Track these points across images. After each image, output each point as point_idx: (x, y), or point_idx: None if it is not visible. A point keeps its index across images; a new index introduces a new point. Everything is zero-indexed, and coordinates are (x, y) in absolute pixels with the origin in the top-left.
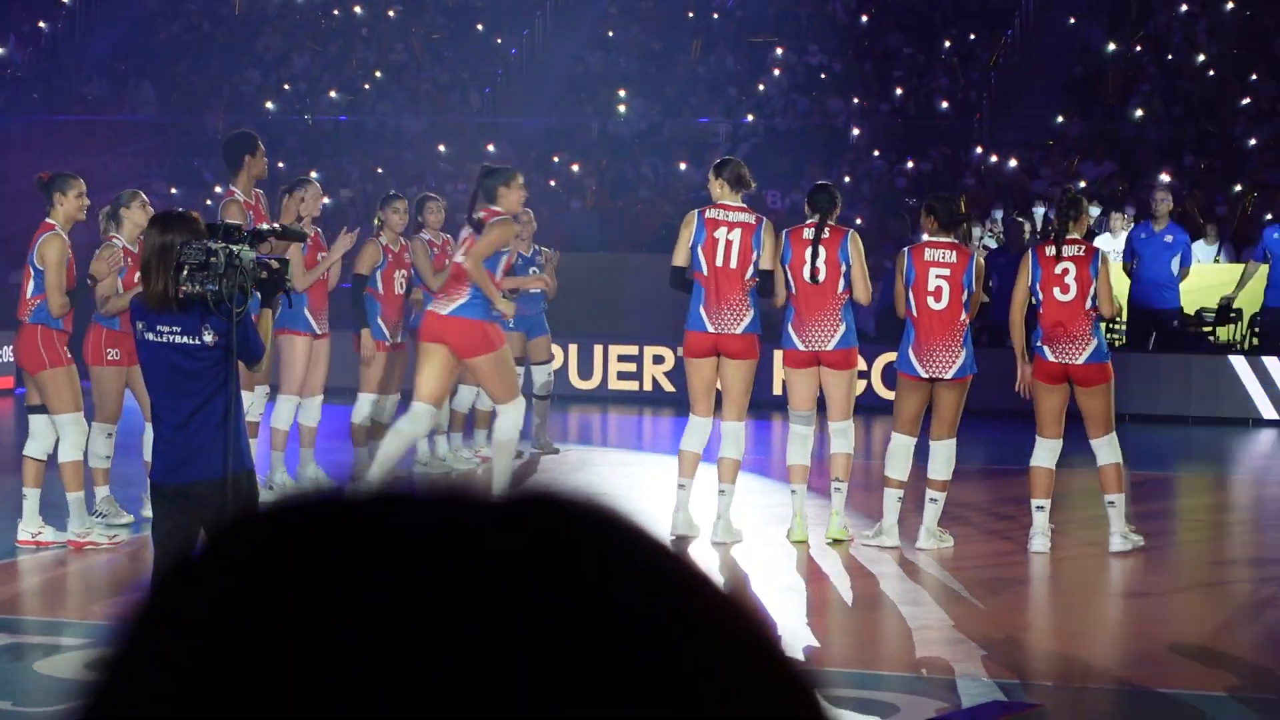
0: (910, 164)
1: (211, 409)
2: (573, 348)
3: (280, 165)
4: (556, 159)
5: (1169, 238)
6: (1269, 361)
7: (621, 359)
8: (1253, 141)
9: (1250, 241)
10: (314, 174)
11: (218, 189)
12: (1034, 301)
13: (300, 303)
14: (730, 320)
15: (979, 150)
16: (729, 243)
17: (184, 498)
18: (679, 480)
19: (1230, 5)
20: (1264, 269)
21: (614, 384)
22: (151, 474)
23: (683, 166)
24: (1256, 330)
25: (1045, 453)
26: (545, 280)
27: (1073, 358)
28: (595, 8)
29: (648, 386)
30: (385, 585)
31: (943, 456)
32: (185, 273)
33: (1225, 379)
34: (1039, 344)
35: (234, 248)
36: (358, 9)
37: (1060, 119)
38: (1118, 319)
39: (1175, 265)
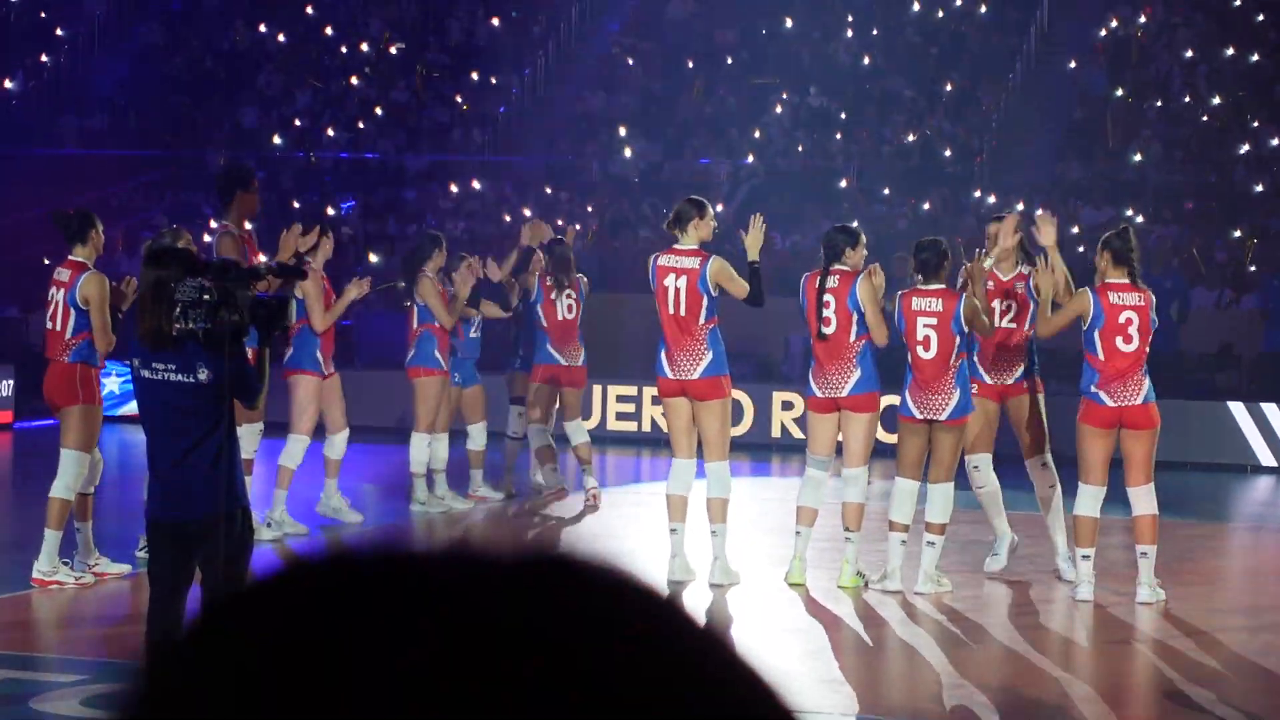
0: (911, 206)
1: (207, 446)
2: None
3: (295, 205)
4: (549, 190)
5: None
6: (1268, 408)
7: (620, 399)
8: (1260, 188)
9: (1250, 288)
10: (330, 210)
11: (213, 224)
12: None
13: (313, 344)
14: (688, 365)
15: (979, 193)
16: (677, 290)
17: (180, 534)
18: (670, 525)
19: (1231, 51)
20: None
21: (613, 424)
22: (147, 510)
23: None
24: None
25: (1090, 500)
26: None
27: (1130, 399)
28: (597, 48)
29: (646, 427)
30: (390, 678)
31: (940, 500)
32: (179, 310)
33: (1224, 425)
34: (1094, 389)
35: (229, 285)
36: (362, 46)
37: (1060, 163)
38: None
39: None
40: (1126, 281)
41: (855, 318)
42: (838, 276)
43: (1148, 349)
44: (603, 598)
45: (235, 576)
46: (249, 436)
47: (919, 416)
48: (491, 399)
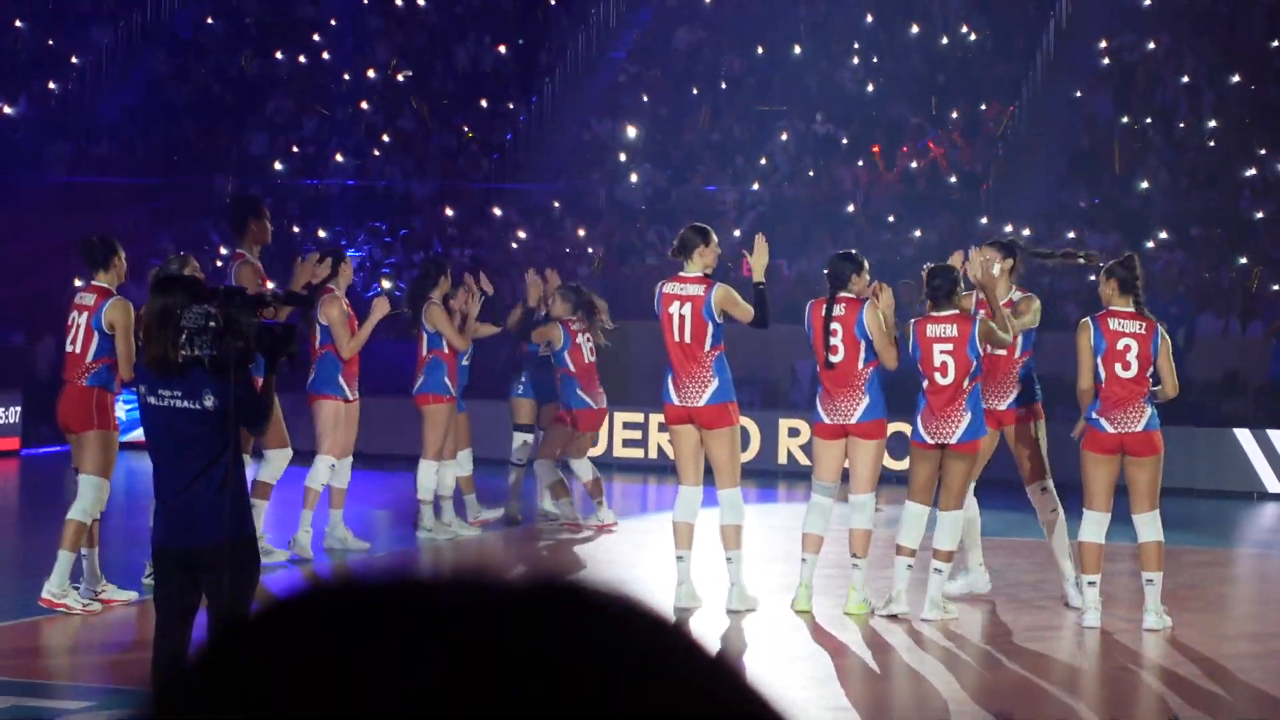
0: (917, 233)
1: (213, 473)
2: None
3: (296, 230)
4: (556, 213)
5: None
6: (1274, 435)
7: (627, 426)
8: (1259, 215)
9: (1255, 315)
10: (321, 233)
11: (223, 250)
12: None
13: (336, 368)
14: (694, 392)
15: (985, 220)
16: (682, 317)
17: (186, 561)
18: (676, 553)
19: (1236, 79)
20: None
21: (619, 451)
22: (153, 537)
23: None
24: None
25: (1095, 526)
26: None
27: (1130, 426)
28: (603, 75)
29: (653, 454)
30: (398, 702)
31: (948, 527)
32: (185, 336)
33: (1230, 452)
34: (1095, 415)
35: (235, 312)
36: (369, 73)
37: (1066, 190)
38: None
39: (1180, 338)
40: (1130, 310)
41: (863, 345)
42: (844, 304)
43: (1149, 377)
44: (609, 623)
45: (242, 602)
46: (279, 460)
47: (930, 442)
48: (479, 425)
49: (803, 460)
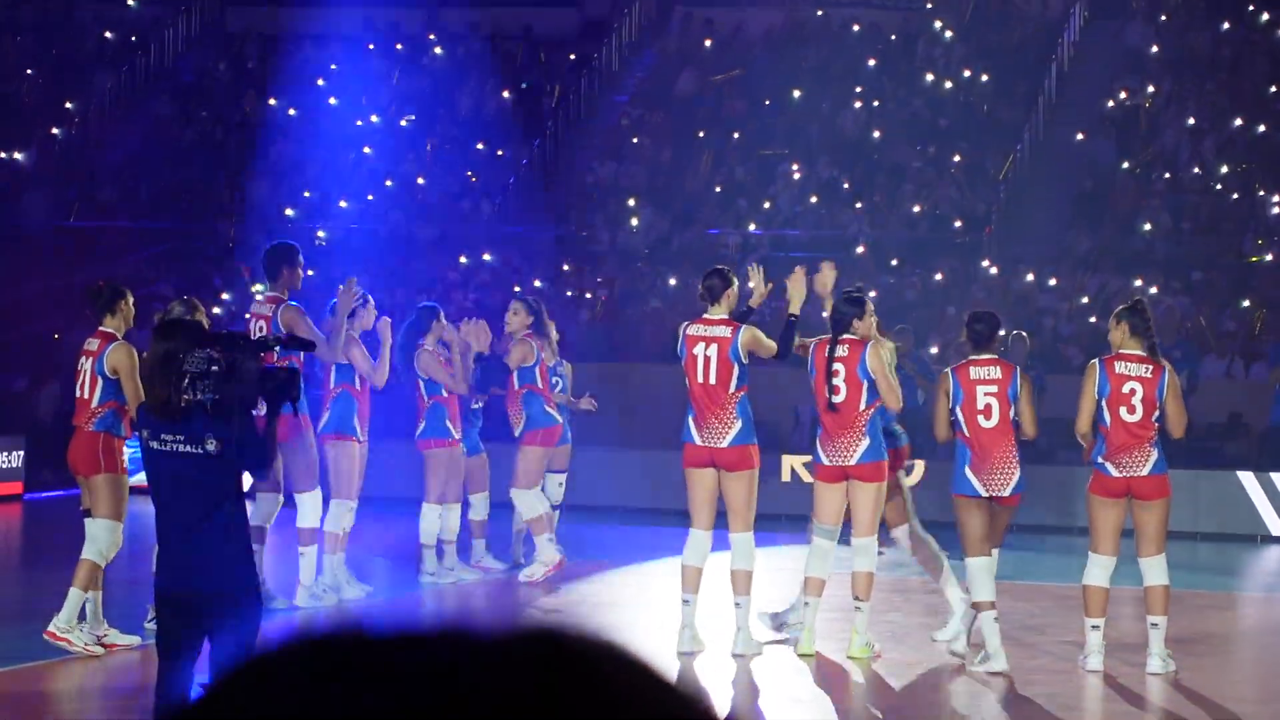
0: (920, 276)
1: (215, 518)
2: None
3: (310, 273)
4: (566, 268)
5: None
6: (1278, 477)
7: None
8: (1269, 258)
9: (1258, 358)
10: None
11: (224, 295)
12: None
13: (351, 409)
14: (717, 433)
15: (988, 264)
16: (707, 359)
17: (188, 606)
18: (683, 596)
19: (1239, 122)
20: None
21: (622, 497)
22: (156, 582)
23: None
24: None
25: (1100, 570)
26: (568, 399)
27: (1137, 470)
28: (606, 119)
29: (665, 502)
30: None
31: (984, 576)
32: (188, 381)
33: (1233, 495)
34: (1101, 460)
35: (238, 356)
36: (374, 118)
37: (1069, 233)
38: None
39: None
40: (1140, 353)
41: (865, 386)
42: (846, 345)
43: (1155, 421)
44: (597, 672)
45: (244, 647)
46: (312, 503)
47: (983, 494)
48: (494, 470)
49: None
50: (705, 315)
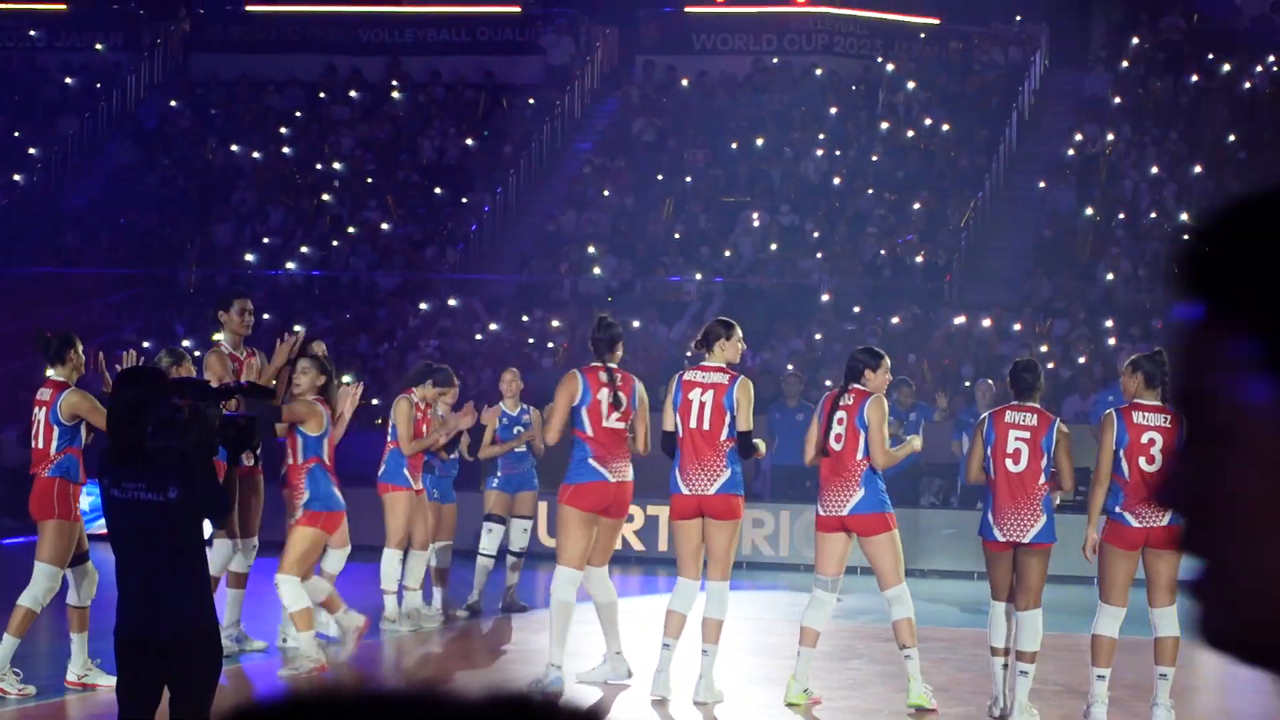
0: (881, 324)
1: (176, 565)
2: (543, 505)
3: (267, 317)
4: (527, 318)
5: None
6: None
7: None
8: None
9: None
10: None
11: (186, 342)
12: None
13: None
14: (705, 481)
15: (949, 311)
16: (702, 404)
17: (147, 653)
18: (664, 640)
19: (1198, 169)
20: None
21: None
22: (115, 629)
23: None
24: None
25: (1111, 620)
26: (532, 435)
27: (1157, 520)
28: (568, 166)
29: (617, 545)
30: None
31: (1030, 627)
32: (150, 429)
33: None
34: (1119, 510)
35: (200, 404)
36: (336, 164)
37: (1030, 281)
38: None
39: None
40: (1156, 403)
41: (862, 436)
42: (853, 395)
43: None
44: None
45: (204, 693)
46: (337, 557)
47: (1001, 540)
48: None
49: (766, 551)
50: (702, 363)
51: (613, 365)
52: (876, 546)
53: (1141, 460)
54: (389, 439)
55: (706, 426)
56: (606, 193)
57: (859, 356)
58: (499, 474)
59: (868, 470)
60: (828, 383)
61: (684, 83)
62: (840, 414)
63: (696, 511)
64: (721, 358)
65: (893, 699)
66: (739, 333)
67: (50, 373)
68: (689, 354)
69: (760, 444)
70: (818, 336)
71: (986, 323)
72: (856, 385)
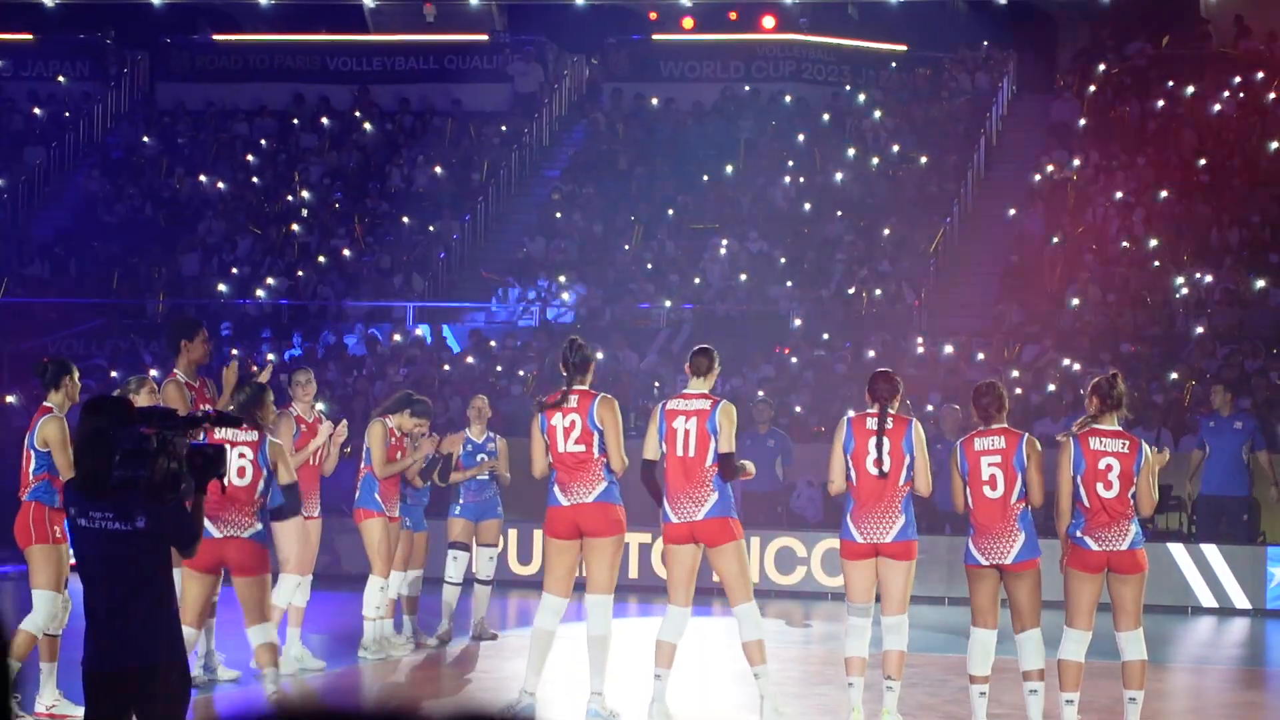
0: (850, 351)
1: (144, 595)
2: (512, 532)
3: (236, 351)
4: (494, 344)
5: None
6: (1207, 549)
7: None
8: (1200, 330)
9: (1188, 430)
10: (270, 356)
11: (153, 372)
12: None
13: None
14: (692, 508)
15: (918, 337)
16: (687, 432)
17: (115, 685)
18: (655, 671)
19: (1165, 194)
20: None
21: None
22: (83, 660)
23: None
24: (1194, 518)
25: (1076, 645)
26: (495, 465)
27: (1116, 545)
28: (536, 195)
29: (632, 573)
30: None
31: (1031, 647)
32: (118, 458)
33: (1164, 567)
34: (1079, 534)
35: (167, 433)
36: (305, 193)
37: (999, 306)
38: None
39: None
40: (1114, 428)
41: (907, 461)
42: (892, 420)
43: (1132, 496)
44: None
45: None
46: (296, 587)
47: (984, 563)
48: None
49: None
50: (684, 391)
51: (582, 388)
52: (899, 572)
53: (1099, 486)
54: (363, 464)
55: (692, 453)
56: (571, 216)
57: (893, 382)
58: (460, 501)
59: (908, 496)
60: (797, 408)
61: (652, 109)
62: (885, 440)
63: (689, 537)
64: (706, 385)
65: None
66: (718, 360)
67: (47, 399)
68: (656, 383)
69: (747, 464)
70: (794, 360)
71: (957, 349)
72: (893, 410)
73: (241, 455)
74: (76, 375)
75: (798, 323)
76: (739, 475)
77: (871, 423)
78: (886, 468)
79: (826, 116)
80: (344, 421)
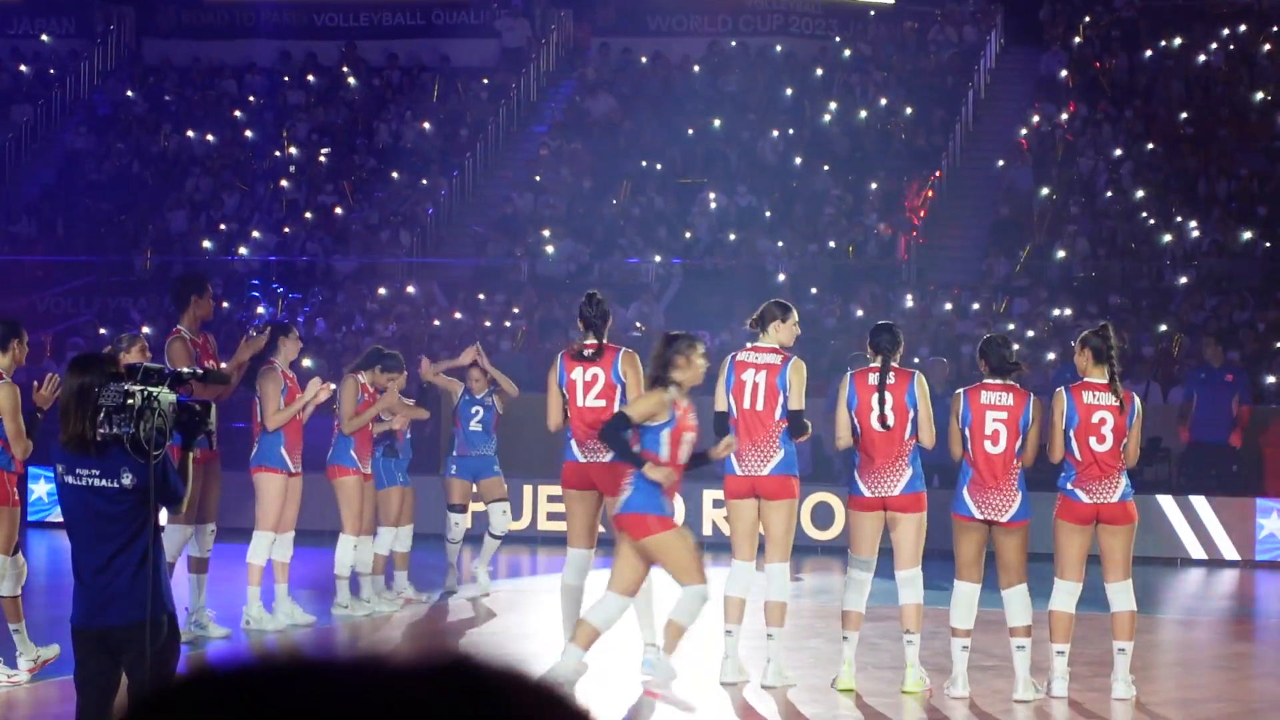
0: (839, 304)
1: (131, 552)
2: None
3: (226, 305)
4: (483, 296)
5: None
6: (1196, 501)
7: (551, 499)
8: (1183, 280)
9: (1176, 382)
10: (260, 309)
11: (145, 329)
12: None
13: (277, 441)
14: (758, 462)
15: (907, 290)
16: (755, 385)
17: (105, 641)
18: (725, 626)
19: (1151, 146)
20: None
21: (544, 524)
22: (72, 617)
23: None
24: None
25: (1066, 596)
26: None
27: (1107, 497)
28: (524, 150)
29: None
30: None
31: (1019, 603)
32: (103, 415)
33: (1153, 518)
34: (1070, 486)
35: (152, 390)
36: (290, 150)
37: (987, 260)
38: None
39: None
40: (1104, 381)
41: (910, 415)
42: (894, 374)
43: (1123, 448)
44: (506, 700)
45: (162, 680)
46: (272, 543)
47: (978, 517)
48: (420, 502)
49: (727, 530)
50: (755, 344)
51: (603, 341)
52: (910, 525)
53: (1092, 440)
54: (336, 420)
55: (760, 407)
56: (559, 172)
57: (889, 334)
58: (455, 454)
59: (915, 449)
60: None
61: (640, 64)
62: (887, 394)
63: (750, 491)
64: (775, 339)
65: (859, 677)
66: (795, 315)
67: None
68: (636, 332)
69: (809, 424)
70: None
71: (949, 304)
72: (895, 363)
73: None
74: (25, 338)
75: (781, 278)
76: (805, 435)
77: (873, 378)
78: (891, 422)
79: (817, 71)
80: (330, 385)
